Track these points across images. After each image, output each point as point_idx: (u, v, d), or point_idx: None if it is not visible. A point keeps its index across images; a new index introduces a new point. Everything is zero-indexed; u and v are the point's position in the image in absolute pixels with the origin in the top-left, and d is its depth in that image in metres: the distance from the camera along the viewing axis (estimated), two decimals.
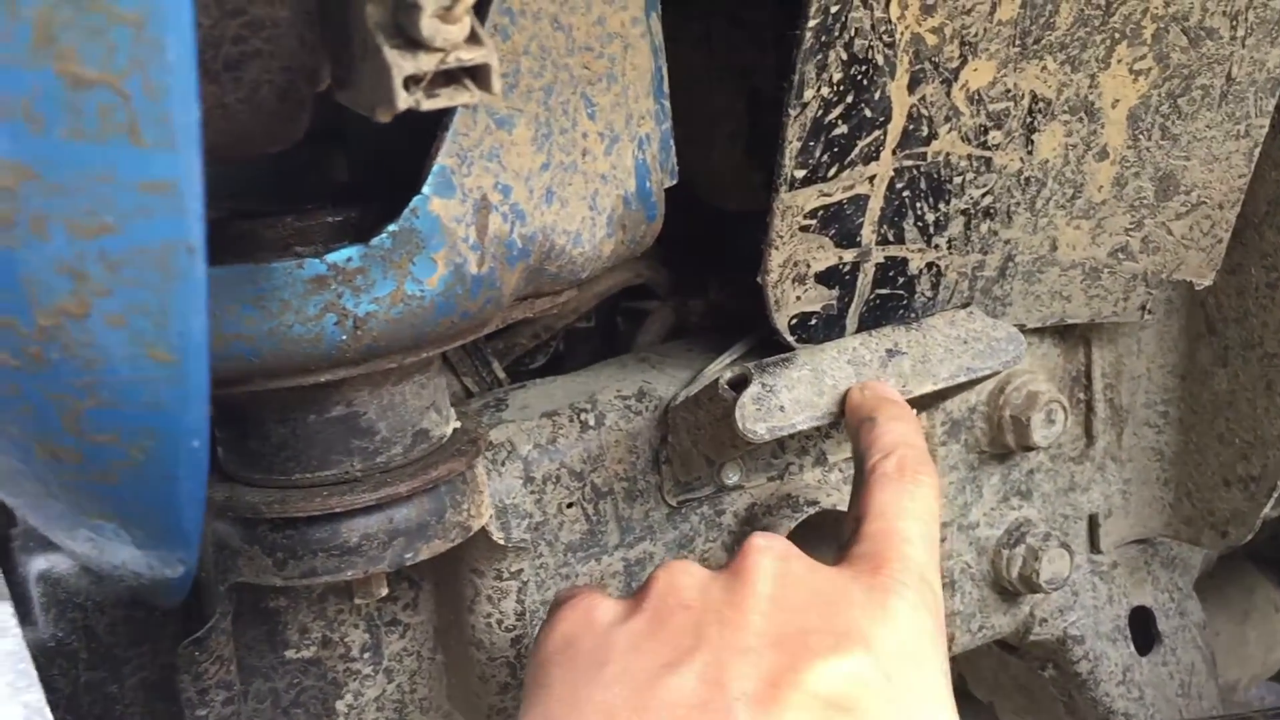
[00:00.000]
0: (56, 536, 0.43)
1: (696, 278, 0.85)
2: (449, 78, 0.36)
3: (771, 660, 0.47)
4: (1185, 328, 0.83)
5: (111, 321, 0.28)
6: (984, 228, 0.72)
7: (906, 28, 0.64)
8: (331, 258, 0.44)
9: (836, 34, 0.62)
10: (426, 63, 0.35)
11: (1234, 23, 0.70)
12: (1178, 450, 0.85)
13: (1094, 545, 0.86)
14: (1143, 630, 0.89)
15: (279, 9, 0.37)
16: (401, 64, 0.34)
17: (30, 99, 0.25)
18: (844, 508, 0.77)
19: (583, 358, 0.85)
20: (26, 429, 0.31)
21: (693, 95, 0.82)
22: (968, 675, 0.99)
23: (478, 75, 0.36)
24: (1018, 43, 0.67)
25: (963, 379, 0.70)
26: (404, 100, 0.35)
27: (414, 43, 0.35)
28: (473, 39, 0.35)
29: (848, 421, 0.65)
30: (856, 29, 0.63)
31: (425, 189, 0.46)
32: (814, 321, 0.71)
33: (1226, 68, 0.71)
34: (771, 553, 0.52)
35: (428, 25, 0.34)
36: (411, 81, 0.35)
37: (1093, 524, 0.86)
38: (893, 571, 0.52)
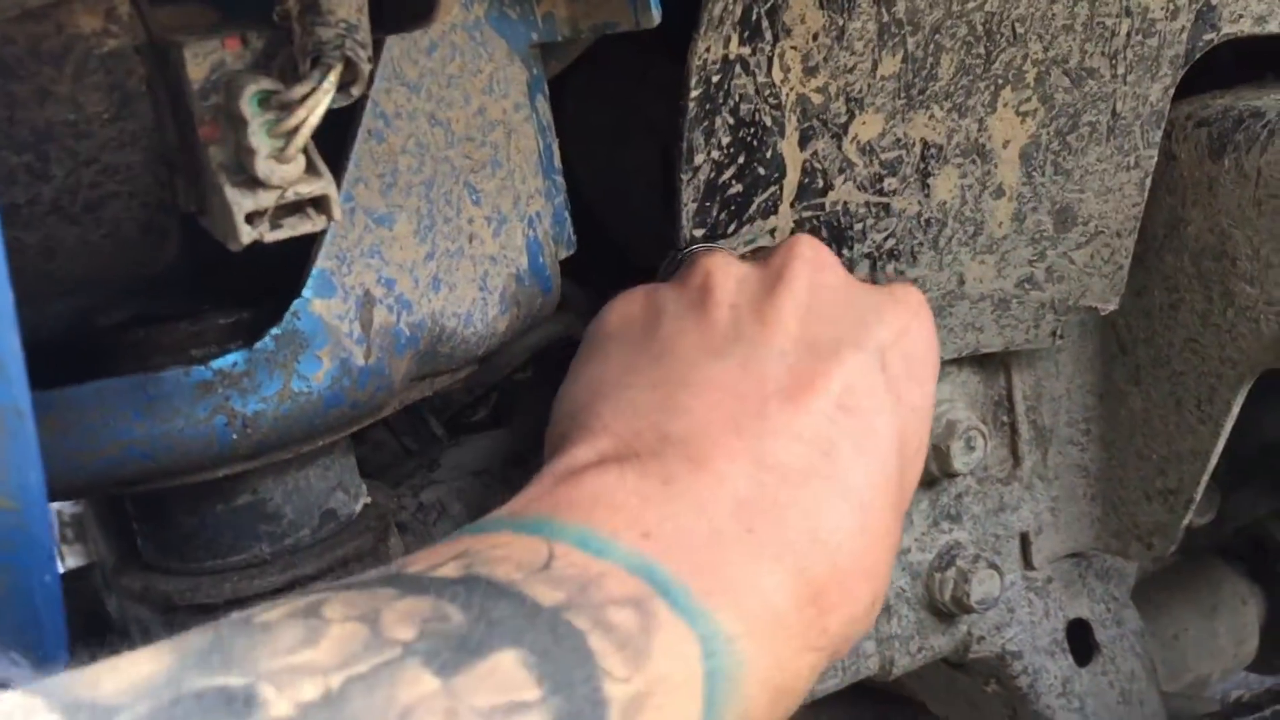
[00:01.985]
0: None
1: None
2: (292, 209, 0.39)
3: (803, 363, 0.53)
4: (1100, 349, 0.85)
5: None
6: (890, 269, 0.75)
7: (791, 89, 0.67)
8: (217, 364, 0.47)
9: (721, 100, 0.65)
10: (266, 199, 0.37)
11: (1113, 62, 0.72)
12: (1101, 466, 0.87)
13: (1027, 562, 0.89)
14: (1081, 642, 0.91)
15: (131, 154, 0.40)
16: (242, 202, 0.37)
17: None
18: None
19: (521, 407, 0.88)
20: None
21: (611, 152, 0.85)
22: (921, 691, 1.02)
23: (319, 204, 0.39)
24: (903, 95, 0.69)
25: None
26: (247, 234, 0.38)
27: (254, 181, 0.37)
28: (312, 170, 0.38)
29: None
30: (741, 94, 0.65)
31: (305, 292, 0.49)
32: None
33: (1111, 104, 0.74)
34: (809, 262, 0.58)
35: (263, 166, 0.37)
36: (254, 216, 0.38)
37: (1024, 541, 0.88)
38: (903, 294, 0.61)
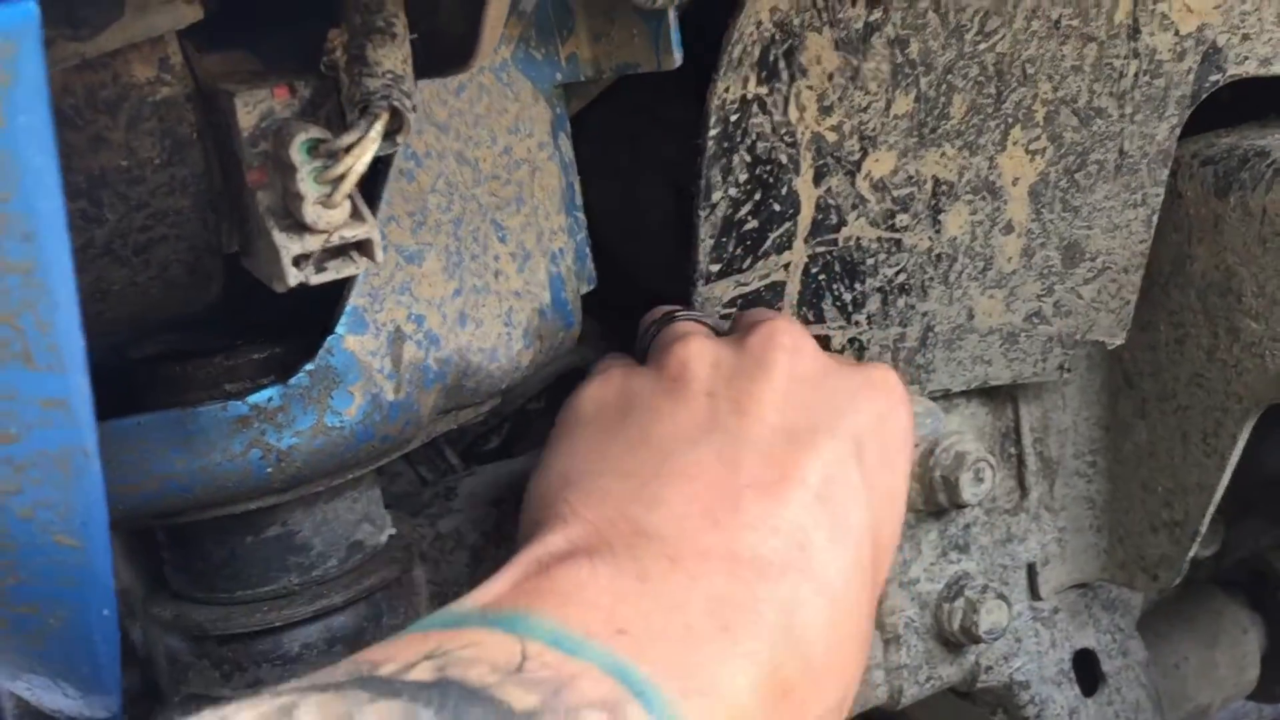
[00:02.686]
0: (4, 683, 0.47)
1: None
2: (336, 252, 0.40)
3: (780, 453, 0.52)
4: (1105, 382, 0.86)
5: (21, 515, 0.32)
6: (901, 303, 0.76)
7: (806, 128, 0.68)
8: (253, 399, 0.48)
9: (739, 139, 0.66)
10: (312, 243, 0.39)
11: (1121, 102, 0.74)
12: (1108, 498, 0.88)
13: (1034, 593, 0.90)
14: (1087, 672, 0.92)
15: (180, 199, 0.41)
16: (290, 245, 0.38)
17: None
18: None
19: (535, 437, 0.89)
20: None
21: (625, 188, 0.86)
22: (925, 719, 1.03)
23: (362, 247, 0.40)
24: (915, 133, 0.71)
25: None
26: (294, 277, 0.39)
27: (301, 226, 0.39)
28: (356, 216, 0.39)
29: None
30: (758, 133, 0.67)
31: (339, 329, 0.50)
32: None
33: (1119, 143, 0.75)
34: (787, 348, 0.57)
35: (310, 211, 0.38)
36: (300, 259, 0.39)
37: (1031, 572, 0.89)
38: (876, 371, 0.60)
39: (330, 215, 0.38)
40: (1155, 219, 0.78)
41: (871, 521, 0.54)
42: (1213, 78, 0.74)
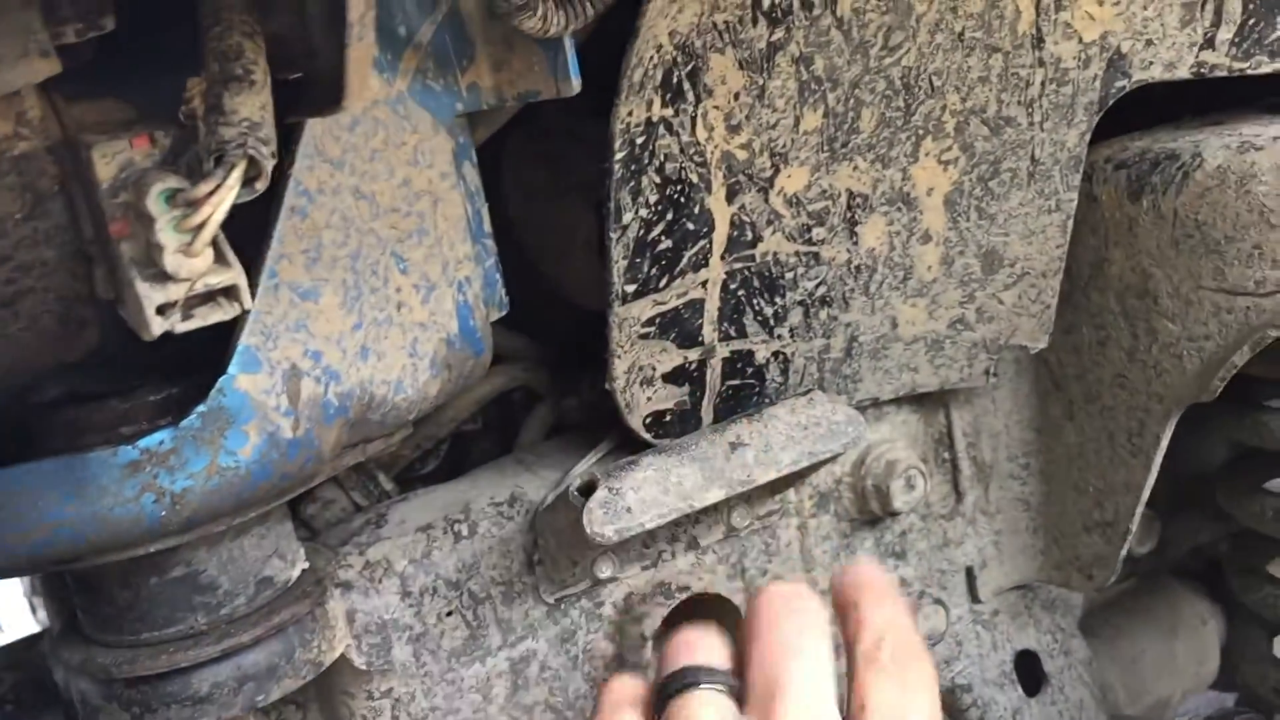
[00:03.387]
0: None
1: (572, 376, 0.89)
2: (205, 298, 0.40)
3: None
4: (1034, 385, 0.87)
5: None
6: (823, 315, 0.77)
7: (715, 147, 0.68)
8: (144, 443, 0.48)
9: (646, 161, 0.67)
10: (176, 291, 0.39)
11: (1030, 110, 0.74)
12: (1041, 499, 0.89)
13: (973, 595, 0.90)
14: (1029, 673, 0.92)
15: (45, 250, 0.41)
16: (152, 295, 0.39)
17: None
18: (718, 589, 0.80)
19: (472, 458, 0.89)
20: None
21: (548, 208, 0.86)
22: None
23: (230, 293, 0.40)
24: (826, 148, 0.71)
25: (805, 464, 0.74)
26: (159, 325, 0.39)
27: (164, 275, 0.39)
28: (221, 261, 0.40)
29: (834, 606, 0.62)
30: (666, 154, 0.67)
31: (230, 369, 0.50)
32: (669, 418, 0.75)
33: (1030, 150, 0.76)
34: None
35: (172, 260, 0.38)
36: (165, 308, 0.39)
37: (970, 575, 0.90)
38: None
39: (192, 264, 0.38)
40: (1070, 224, 0.78)
41: None
42: (1119, 84, 0.75)
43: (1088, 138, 0.76)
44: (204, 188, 0.38)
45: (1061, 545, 0.88)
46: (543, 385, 0.89)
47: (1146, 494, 0.81)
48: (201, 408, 0.50)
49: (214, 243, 0.39)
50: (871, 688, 0.54)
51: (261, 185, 0.39)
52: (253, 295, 0.48)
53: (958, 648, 0.90)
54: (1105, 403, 0.81)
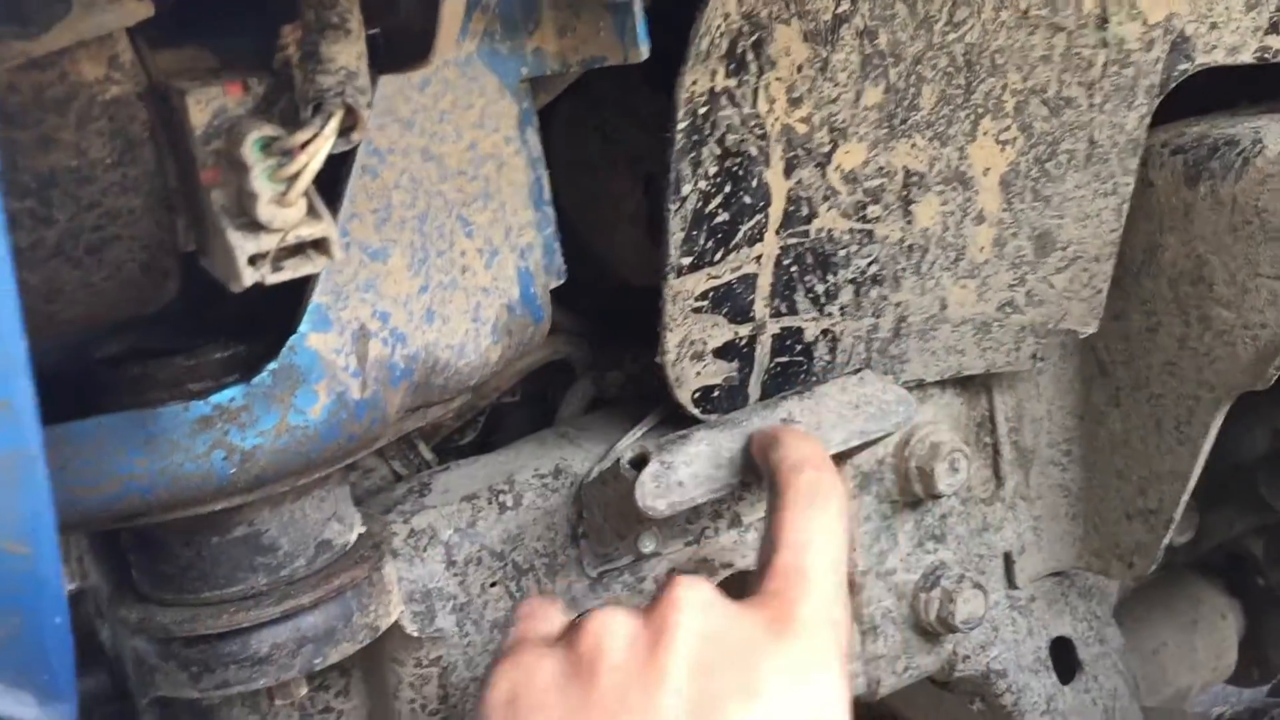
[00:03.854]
0: None
1: (614, 350, 0.88)
2: (292, 251, 0.39)
3: None
4: (1080, 371, 0.86)
5: None
6: (874, 294, 0.76)
7: (776, 120, 0.68)
8: (216, 399, 0.48)
9: (708, 132, 0.66)
10: (267, 242, 0.38)
11: (1090, 91, 0.74)
12: (1083, 486, 0.88)
13: (1011, 581, 0.90)
14: (1064, 660, 0.92)
15: (133, 198, 0.41)
16: (244, 245, 0.38)
17: None
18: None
19: (512, 430, 0.89)
20: None
21: (595, 180, 0.86)
22: (904, 708, 1.03)
23: (319, 245, 0.39)
24: (885, 124, 0.71)
25: (856, 443, 0.73)
26: (249, 276, 0.38)
27: (256, 225, 0.38)
28: (312, 213, 0.39)
29: (753, 451, 0.69)
30: (727, 126, 0.66)
31: (302, 327, 0.49)
32: (716, 394, 0.74)
33: (1088, 132, 0.75)
34: (691, 608, 0.55)
35: (265, 210, 0.37)
36: (256, 259, 0.38)
37: (1008, 561, 0.90)
38: (799, 617, 0.56)
39: (285, 214, 0.38)
40: (1126, 208, 0.78)
41: None
42: (1181, 66, 0.74)
43: (1147, 121, 0.75)
44: (301, 136, 0.37)
45: (1101, 533, 0.88)
46: (583, 359, 0.89)
47: (1193, 483, 0.80)
48: (273, 365, 0.49)
49: (305, 194, 0.39)
50: (784, 519, 0.59)
51: (358, 136, 0.38)
52: None
53: (994, 633, 0.89)
54: (1154, 390, 0.81)
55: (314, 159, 0.37)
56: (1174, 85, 0.75)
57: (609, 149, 0.82)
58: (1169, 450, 0.81)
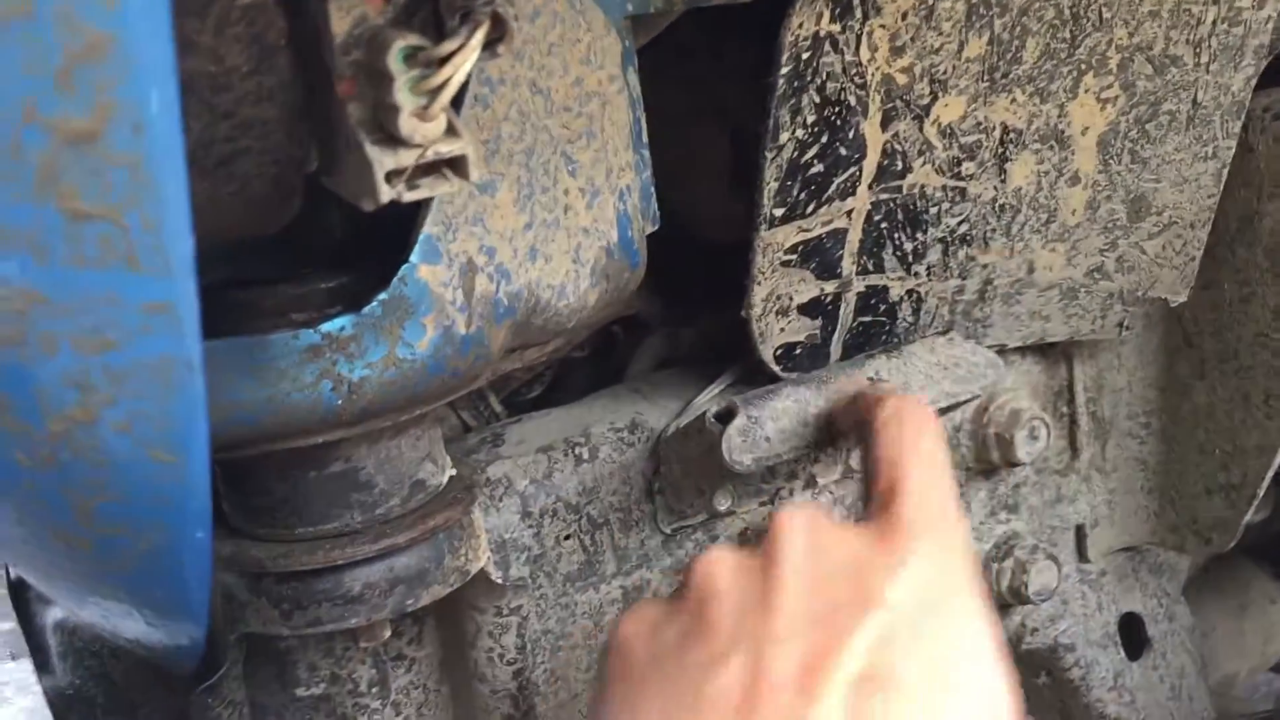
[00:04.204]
0: (65, 606, 0.45)
1: (686, 307, 0.87)
2: (428, 169, 0.38)
3: (806, 645, 0.49)
4: (1163, 342, 0.85)
5: (117, 427, 0.31)
6: (962, 254, 0.74)
7: (877, 69, 0.66)
8: (326, 327, 0.47)
9: (809, 79, 0.64)
10: (406, 158, 0.37)
11: (1197, 50, 0.72)
12: (1160, 460, 0.87)
13: (1082, 555, 0.88)
14: (1133, 636, 0.91)
15: (267, 109, 0.40)
16: (383, 160, 0.37)
17: (35, 231, 0.27)
18: None
19: (577, 385, 0.88)
20: (42, 521, 0.33)
21: (677, 132, 0.84)
22: None
23: (456, 165, 0.38)
24: (986, 78, 0.69)
25: (944, 404, 0.72)
26: (386, 193, 0.37)
27: (394, 139, 0.37)
28: (450, 132, 0.38)
29: (838, 403, 0.68)
30: (828, 73, 0.65)
31: (413, 257, 0.48)
32: (799, 351, 0.73)
33: (1192, 93, 0.73)
34: (799, 530, 0.53)
35: (406, 124, 0.36)
36: (393, 175, 0.37)
37: (1080, 534, 0.88)
38: (905, 525, 0.54)
39: (426, 129, 0.36)
40: (1225, 173, 0.76)
41: (930, 661, 0.49)
42: None
43: (1253, 83, 0.73)
44: (447, 46, 0.36)
45: (1179, 508, 0.86)
46: (655, 315, 0.87)
47: None
48: (383, 295, 0.48)
49: (444, 110, 0.37)
50: (881, 449, 0.58)
51: (504, 48, 0.37)
52: None
53: (1063, 606, 0.88)
54: (1243, 362, 0.79)
55: (459, 71, 0.36)
56: None
57: (695, 100, 0.80)
58: (1256, 424, 0.79)
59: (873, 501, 0.57)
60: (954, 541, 0.54)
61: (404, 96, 0.36)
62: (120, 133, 0.26)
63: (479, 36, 0.36)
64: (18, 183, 0.27)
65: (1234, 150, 0.75)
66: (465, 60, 0.36)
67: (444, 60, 0.36)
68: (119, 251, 0.28)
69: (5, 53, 0.25)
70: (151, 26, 0.26)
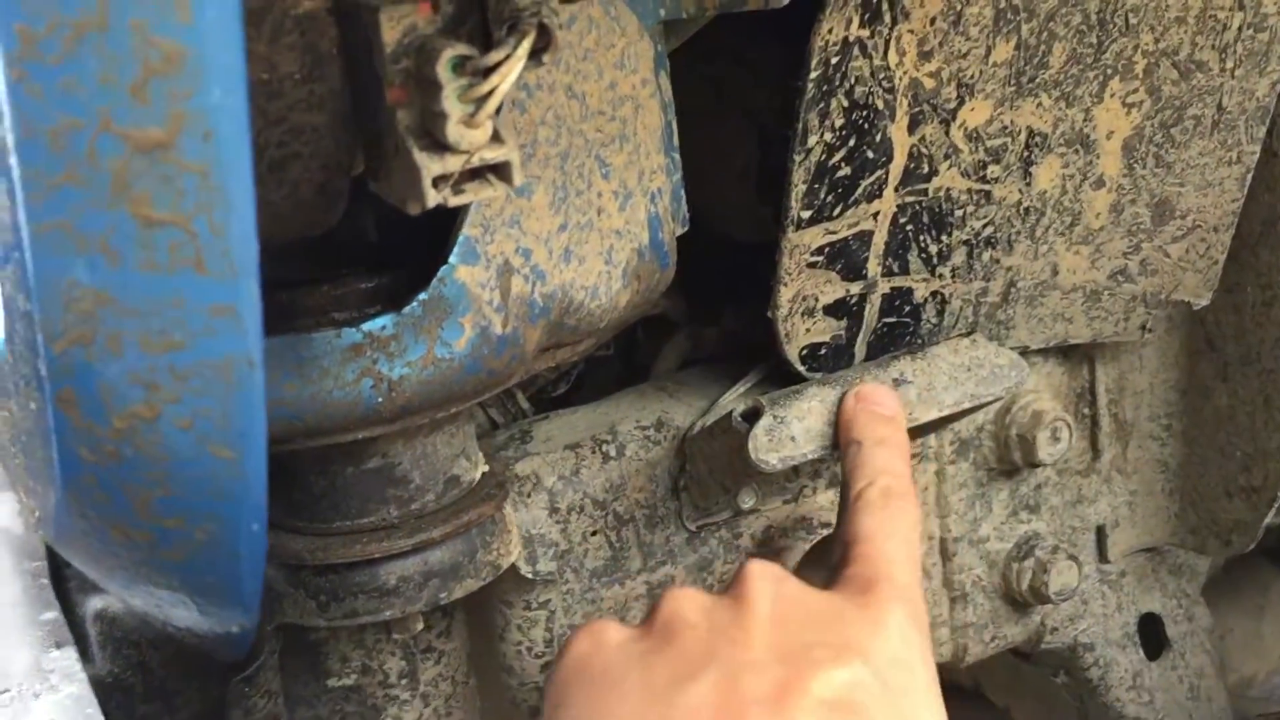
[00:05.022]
0: (117, 593, 0.46)
1: (712, 306, 0.88)
2: (473, 174, 0.39)
3: (779, 671, 0.50)
4: (1185, 344, 0.85)
5: (180, 424, 0.32)
6: (986, 256, 0.75)
7: (905, 73, 0.67)
8: (367, 326, 0.48)
9: (837, 83, 0.65)
10: (453, 164, 0.38)
11: (1223, 55, 0.72)
12: (1181, 462, 0.87)
13: (1102, 555, 0.89)
14: (1152, 636, 0.91)
15: (317, 115, 0.41)
16: (430, 165, 0.38)
17: (108, 236, 0.28)
18: None
19: (603, 384, 0.89)
20: (102, 514, 0.34)
21: (704, 133, 0.85)
22: (983, 681, 1.02)
23: (500, 170, 0.39)
24: (1013, 82, 0.70)
25: (967, 405, 0.72)
26: (433, 198, 0.38)
27: (441, 146, 0.38)
28: (495, 139, 0.39)
29: (839, 437, 0.68)
30: (857, 77, 0.66)
31: (452, 258, 0.49)
32: (824, 351, 0.74)
33: (1217, 98, 0.74)
34: (767, 578, 0.55)
35: (453, 131, 0.37)
36: (439, 180, 0.38)
37: (1101, 534, 0.89)
38: (882, 591, 0.55)
39: (473, 135, 0.37)
40: (1249, 178, 0.76)
41: (898, 712, 0.50)
42: None
43: (1278, 88, 0.74)
44: (494, 56, 0.37)
45: (1199, 509, 0.87)
46: (680, 314, 0.88)
47: None
48: (423, 295, 0.49)
49: (490, 118, 0.38)
50: (860, 520, 0.60)
51: (549, 58, 0.38)
52: None
53: (1083, 606, 0.89)
54: (1265, 365, 0.80)
55: (505, 80, 0.37)
56: None
57: (722, 101, 0.81)
58: (1277, 427, 0.80)
59: (845, 566, 0.58)
60: (922, 615, 0.56)
61: (452, 104, 0.37)
62: (191, 142, 0.27)
63: (525, 46, 0.37)
64: (92, 189, 0.28)
65: (1258, 155, 0.76)
66: (512, 69, 0.37)
67: (491, 69, 0.37)
68: (187, 256, 0.29)
69: (82, 65, 0.26)
70: (224, 39, 0.27)
